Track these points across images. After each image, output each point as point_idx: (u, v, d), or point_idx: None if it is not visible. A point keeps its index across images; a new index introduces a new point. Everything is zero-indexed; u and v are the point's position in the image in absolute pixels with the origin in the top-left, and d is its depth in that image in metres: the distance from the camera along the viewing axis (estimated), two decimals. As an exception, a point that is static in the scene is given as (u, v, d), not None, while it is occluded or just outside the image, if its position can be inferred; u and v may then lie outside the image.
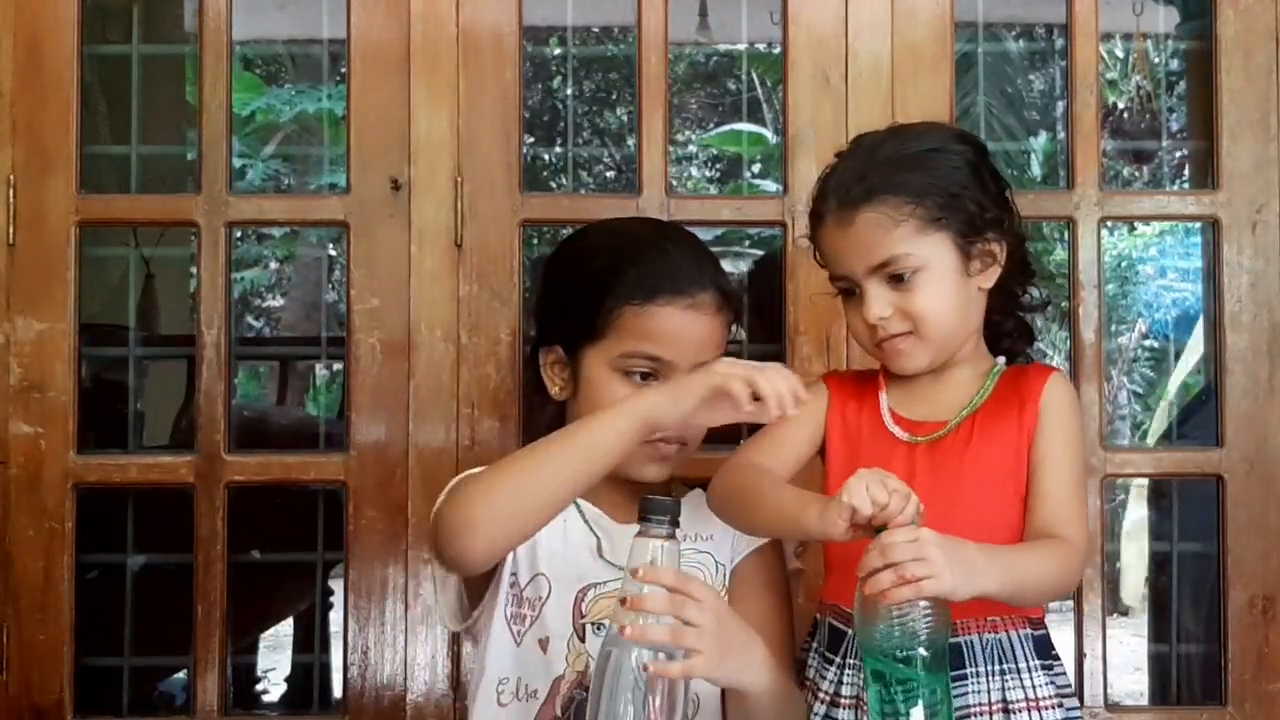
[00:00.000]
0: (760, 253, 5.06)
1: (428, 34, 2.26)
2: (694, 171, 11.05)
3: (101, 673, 2.53)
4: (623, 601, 1.41)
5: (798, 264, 2.22)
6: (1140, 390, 9.29)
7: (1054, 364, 2.34)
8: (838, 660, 1.61)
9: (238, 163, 5.06)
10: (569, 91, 8.84)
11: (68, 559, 2.22)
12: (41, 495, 2.22)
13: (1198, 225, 2.82)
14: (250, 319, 10.29)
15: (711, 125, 10.57)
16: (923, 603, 1.40)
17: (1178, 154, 6.87)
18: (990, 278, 1.65)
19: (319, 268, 8.93)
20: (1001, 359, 1.70)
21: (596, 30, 8.63)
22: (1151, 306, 9.38)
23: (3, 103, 2.24)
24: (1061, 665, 1.64)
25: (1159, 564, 3.43)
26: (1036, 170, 9.02)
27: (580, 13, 4.89)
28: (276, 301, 10.76)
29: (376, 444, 2.23)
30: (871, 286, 1.60)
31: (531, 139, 8.29)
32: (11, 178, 2.23)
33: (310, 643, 3.87)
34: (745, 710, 1.58)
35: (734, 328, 1.79)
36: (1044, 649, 1.61)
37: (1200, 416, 2.95)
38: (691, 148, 10.79)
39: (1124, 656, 4.37)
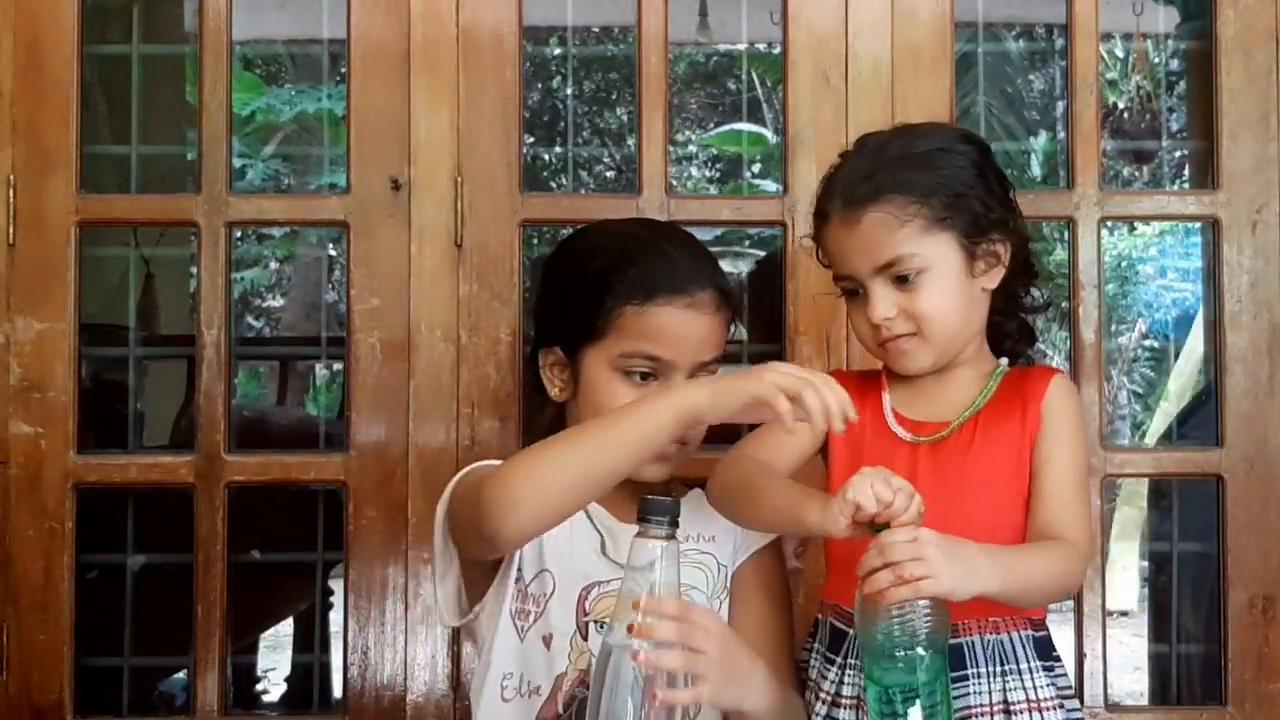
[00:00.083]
0: (760, 253, 5.08)
1: (428, 34, 2.26)
2: (694, 171, 11.06)
3: (101, 673, 2.53)
4: (634, 605, 1.41)
5: (798, 264, 2.23)
6: (1140, 390, 9.30)
7: (1054, 364, 2.34)
8: (839, 660, 1.61)
9: (238, 163, 5.06)
10: (569, 91, 8.85)
11: (68, 559, 2.22)
12: (41, 495, 2.22)
13: (1198, 225, 2.82)
14: (250, 319, 10.30)
15: (711, 125, 10.58)
16: (922, 603, 1.40)
17: (1178, 154, 6.87)
18: (994, 278, 1.65)
19: (319, 268, 8.94)
20: (1004, 360, 1.70)
21: (596, 30, 8.63)
22: (1151, 306, 9.39)
23: (3, 103, 2.24)
24: (1063, 666, 1.64)
25: (1159, 564, 3.43)
26: (1036, 170, 9.03)
27: (580, 13, 4.89)
28: (276, 301, 10.77)
29: (376, 444, 2.23)
30: (876, 287, 1.60)
31: (531, 139, 8.29)
32: (11, 178, 2.23)
33: (310, 643, 3.88)
34: None
35: (734, 328, 1.79)
36: (1045, 650, 1.61)
37: (1200, 416, 2.95)
38: (691, 148, 10.80)
39: (1124, 656, 4.37)
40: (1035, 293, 1.73)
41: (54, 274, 2.24)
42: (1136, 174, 6.90)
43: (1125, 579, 6.64)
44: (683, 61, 9.79)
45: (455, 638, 2.20)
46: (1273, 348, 2.27)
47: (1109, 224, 2.50)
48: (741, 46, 7.30)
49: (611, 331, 1.69)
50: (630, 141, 8.30)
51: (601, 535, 1.71)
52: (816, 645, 1.66)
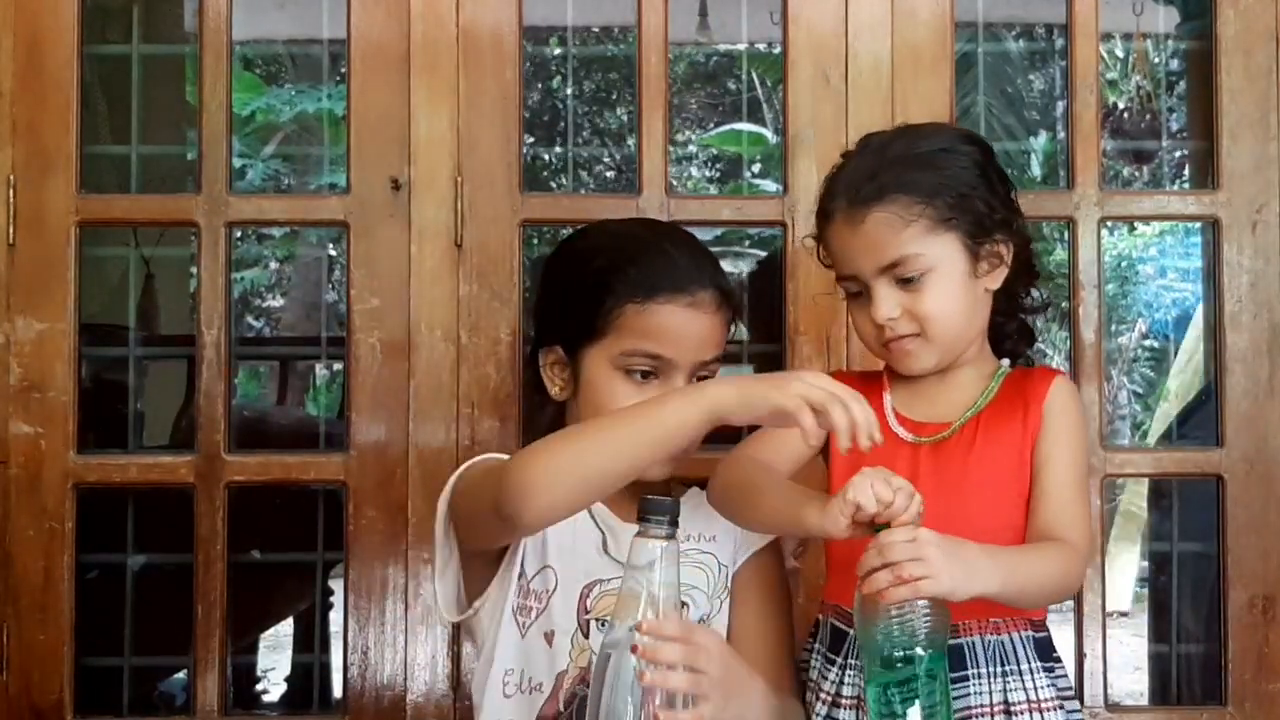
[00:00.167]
0: (760, 253, 5.08)
1: (428, 34, 2.26)
2: (694, 171, 11.06)
3: (101, 673, 2.53)
4: (634, 606, 1.41)
5: (798, 264, 2.23)
6: (1140, 390, 9.30)
7: (1054, 364, 2.34)
8: (839, 661, 1.61)
9: (238, 163, 5.06)
10: (569, 91, 8.85)
11: (68, 559, 2.22)
12: (41, 495, 2.21)
13: (1198, 225, 2.82)
14: (250, 319, 10.30)
15: (711, 125, 10.58)
16: (921, 603, 1.40)
17: (1178, 154, 6.87)
18: (997, 279, 1.65)
19: (319, 268, 8.94)
20: (1005, 361, 1.70)
21: (596, 30, 8.63)
22: (1151, 306, 9.39)
23: (3, 103, 2.24)
24: (1063, 667, 1.64)
25: (1159, 564, 3.43)
26: (1036, 170, 9.03)
27: (580, 13, 4.90)
28: (276, 301, 10.77)
29: (376, 444, 2.23)
30: (880, 287, 1.60)
31: (531, 139, 8.29)
32: (11, 178, 2.23)
33: (310, 643, 3.88)
34: None
35: (734, 327, 1.79)
36: (1045, 650, 1.61)
37: (1200, 416, 2.95)
38: (691, 148, 10.80)
39: (1124, 657, 4.37)
40: (1035, 293, 1.73)
41: (54, 274, 2.24)
42: (1136, 174, 6.90)
43: (1125, 579, 6.64)
44: (683, 61, 9.79)
45: (455, 638, 2.20)
46: (1273, 348, 2.27)
47: (1109, 224, 2.50)
48: (741, 46, 7.30)
49: (612, 331, 1.69)
50: (630, 141, 8.30)
51: (603, 533, 1.72)
52: (817, 645, 1.66)
